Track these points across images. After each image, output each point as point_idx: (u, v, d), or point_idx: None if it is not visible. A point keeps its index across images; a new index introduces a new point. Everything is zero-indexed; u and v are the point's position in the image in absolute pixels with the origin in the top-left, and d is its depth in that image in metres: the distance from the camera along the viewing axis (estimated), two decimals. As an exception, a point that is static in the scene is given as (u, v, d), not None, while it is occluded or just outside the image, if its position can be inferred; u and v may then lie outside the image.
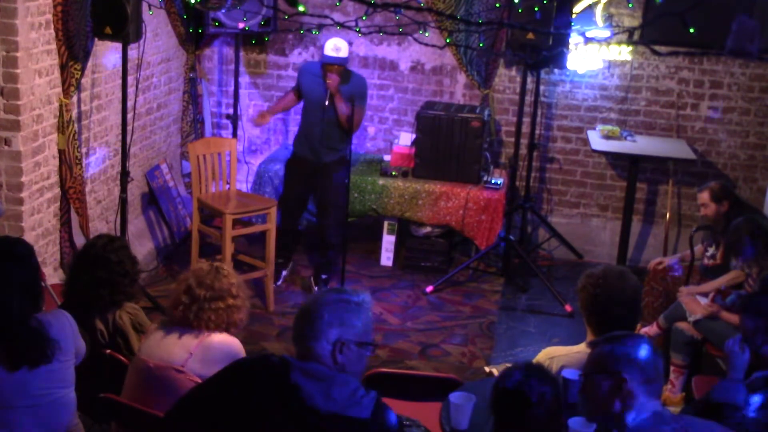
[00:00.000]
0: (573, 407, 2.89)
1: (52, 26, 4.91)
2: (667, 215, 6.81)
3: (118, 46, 5.23)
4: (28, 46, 4.70)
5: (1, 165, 4.77)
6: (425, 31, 5.94)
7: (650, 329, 4.96)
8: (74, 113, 5.24)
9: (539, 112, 6.82)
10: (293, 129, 7.33)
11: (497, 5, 6.48)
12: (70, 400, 3.08)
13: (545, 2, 5.66)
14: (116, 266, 3.63)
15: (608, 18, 6.59)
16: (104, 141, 5.81)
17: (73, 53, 4.99)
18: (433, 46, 5.48)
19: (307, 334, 2.43)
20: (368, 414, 2.34)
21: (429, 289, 6.23)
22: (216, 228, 5.91)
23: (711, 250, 5.29)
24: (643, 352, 2.52)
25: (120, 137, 5.43)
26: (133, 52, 5.57)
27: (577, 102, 6.97)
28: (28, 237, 4.82)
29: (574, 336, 5.12)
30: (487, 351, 5.45)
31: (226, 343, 3.25)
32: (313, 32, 6.53)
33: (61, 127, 5.05)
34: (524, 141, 6.69)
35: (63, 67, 5.01)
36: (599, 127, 6.68)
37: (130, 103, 5.50)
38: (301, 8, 4.65)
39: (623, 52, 6.77)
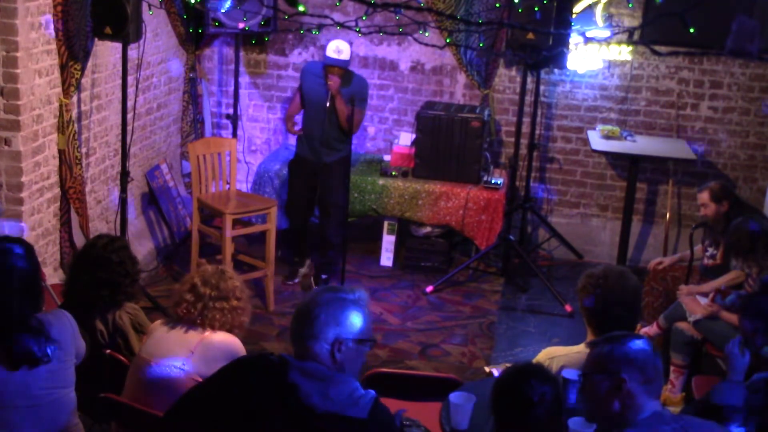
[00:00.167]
0: (573, 407, 2.89)
1: (52, 26, 4.91)
2: (667, 215, 6.81)
3: (118, 46, 5.23)
4: (28, 46, 4.70)
5: (1, 165, 4.77)
6: (425, 31, 5.94)
7: (650, 329, 4.95)
8: (74, 113, 5.24)
9: (539, 112, 6.82)
10: (293, 129, 7.33)
11: (497, 5, 6.48)
12: (70, 400, 3.08)
13: (545, 2, 5.66)
14: (117, 266, 3.63)
15: (608, 18, 6.59)
16: (104, 141, 5.81)
17: (73, 53, 4.99)
18: (433, 46, 5.48)
19: (305, 334, 2.43)
20: (366, 414, 2.34)
21: (429, 289, 6.23)
22: (216, 228, 5.91)
23: (711, 250, 5.29)
24: (643, 352, 2.52)
25: (120, 137, 5.43)
26: (133, 52, 5.57)
27: (577, 102, 6.97)
28: (28, 237, 4.82)
29: (574, 336, 5.12)
30: (487, 351, 5.45)
31: (226, 342, 3.26)
32: (313, 32, 6.52)
33: (61, 127, 5.05)
34: (524, 141, 6.69)
35: (63, 67, 5.01)
36: (599, 127, 6.68)
37: (130, 103, 5.50)
38: (301, 8, 4.65)
39: (623, 52, 6.77)
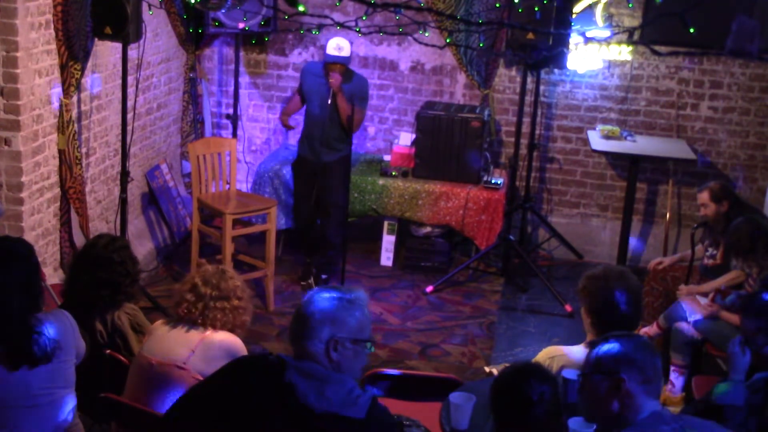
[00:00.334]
0: (573, 407, 2.89)
1: (52, 26, 4.91)
2: (667, 215, 6.81)
3: (118, 46, 5.23)
4: (28, 46, 4.70)
5: (1, 165, 4.77)
6: (425, 31, 5.94)
7: (650, 329, 4.95)
8: (74, 113, 5.24)
9: (539, 112, 6.82)
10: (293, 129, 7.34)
11: (497, 5, 6.48)
12: (70, 400, 3.08)
13: (545, 2, 5.66)
14: (118, 266, 3.63)
15: (608, 18, 6.59)
16: (104, 141, 5.81)
17: (73, 53, 4.99)
18: (433, 46, 5.48)
19: (301, 334, 2.44)
20: (363, 414, 2.33)
21: (429, 289, 6.23)
22: (216, 228, 5.91)
23: (711, 250, 5.29)
24: (642, 352, 2.52)
25: (120, 137, 5.43)
26: (133, 52, 5.57)
27: (577, 102, 6.97)
28: (28, 237, 4.81)
29: (574, 336, 5.12)
30: (487, 351, 5.45)
31: (227, 341, 3.26)
32: (313, 32, 6.52)
33: (61, 127, 5.05)
34: (524, 141, 6.69)
35: (63, 67, 5.01)
36: (599, 127, 6.68)
37: (130, 103, 5.50)
38: (301, 8, 4.65)
39: (623, 52, 6.77)
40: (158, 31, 6.47)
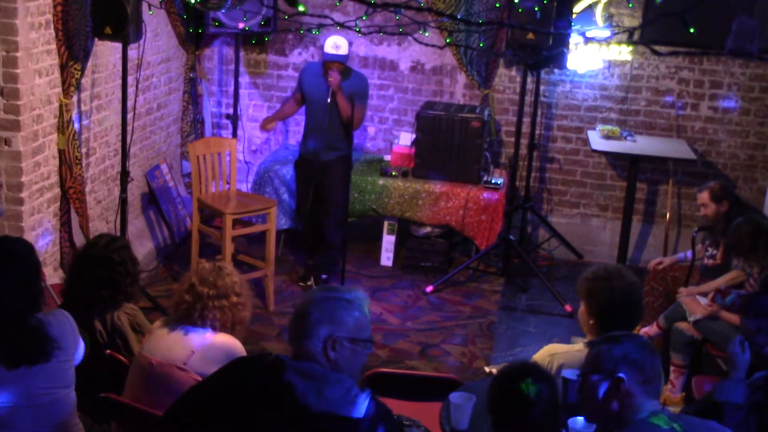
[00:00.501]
0: (573, 407, 2.89)
1: (52, 26, 4.91)
2: (667, 215, 6.81)
3: (118, 46, 5.23)
4: (28, 46, 4.70)
5: (1, 165, 4.77)
6: (425, 31, 5.94)
7: (650, 329, 4.95)
8: (74, 113, 5.24)
9: (539, 112, 6.82)
10: (293, 129, 7.34)
11: (497, 5, 6.48)
12: (70, 400, 3.08)
13: (545, 2, 5.66)
14: (118, 266, 3.63)
15: (608, 18, 6.59)
16: (104, 141, 5.81)
17: (73, 53, 4.99)
18: (433, 46, 5.49)
19: (299, 333, 2.44)
20: (362, 413, 2.33)
21: (429, 289, 6.23)
22: (216, 228, 5.91)
23: (711, 250, 5.29)
24: (641, 352, 2.52)
25: (120, 137, 5.43)
26: (133, 52, 5.57)
27: (577, 102, 6.97)
28: (28, 237, 4.82)
29: (573, 336, 5.11)
30: (487, 351, 5.45)
31: (227, 343, 3.25)
32: (313, 32, 6.52)
33: (61, 127, 5.05)
34: (524, 141, 6.69)
35: (63, 67, 5.01)
36: (599, 127, 6.68)
37: (130, 103, 5.50)
38: (301, 8, 4.65)
39: (623, 52, 6.77)
40: (158, 31, 6.47)
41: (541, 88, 6.78)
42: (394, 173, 6.57)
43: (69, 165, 5.12)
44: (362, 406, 2.34)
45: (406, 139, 6.88)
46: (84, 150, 5.49)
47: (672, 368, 4.76)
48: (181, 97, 7.08)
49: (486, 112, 6.61)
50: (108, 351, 3.57)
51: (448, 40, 6.60)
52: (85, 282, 3.60)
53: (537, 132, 6.86)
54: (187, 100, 7.10)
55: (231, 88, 6.95)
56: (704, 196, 5.27)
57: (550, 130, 7.06)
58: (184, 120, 7.14)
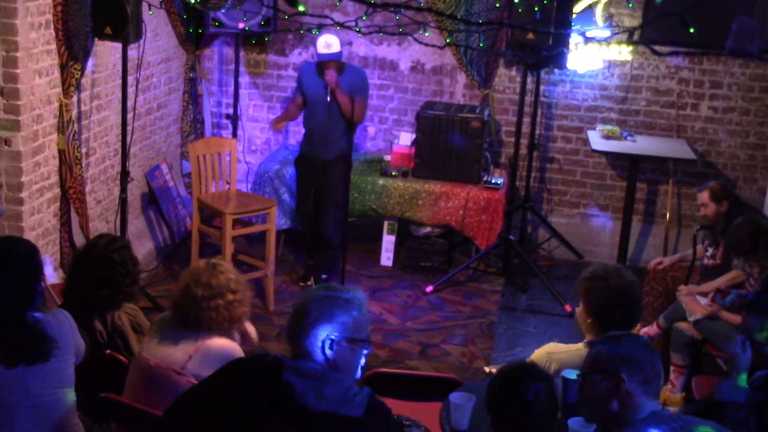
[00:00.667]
0: (573, 407, 2.89)
1: (52, 26, 4.91)
2: (667, 215, 6.81)
3: (118, 46, 5.23)
4: (28, 46, 4.70)
5: (1, 165, 4.77)
6: (425, 31, 5.94)
7: (650, 329, 4.95)
8: (74, 113, 5.24)
9: (539, 112, 6.82)
10: (293, 129, 7.33)
11: (497, 5, 6.48)
12: (70, 400, 3.08)
13: (545, 2, 5.66)
14: (118, 266, 3.63)
15: (608, 18, 6.59)
16: (104, 141, 5.81)
17: (73, 53, 4.99)
18: (433, 46, 5.48)
19: (297, 332, 2.44)
20: (361, 412, 2.33)
21: (429, 289, 6.23)
22: (216, 228, 5.92)
23: (711, 250, 5.29)
24: (641, 352, 2.52)
25: (120, 137, 5.43)
26: (133, 52, 5.57)
27: (577, 102, 6.97)
28: (28, 237, 4.81)
29: (573, 336, 5.09)
30: (487, 351, 5.45)
31: (225, 347, 3.23)
32: (313, 32, 6.52)
33: (61, 127, 5.05)
34: (524, 141, 6.69)
35: (63, 67, 5.01)
36: (599, 127, 6.68)
37: (130, 103, 5.50)
38: (301, 8, 4.65)
39: (623, 52, 6.76)
40: (158, 31, 6.47)
41: (541, 88, 6.78)
42: (394, 173, 6.57)
43: (69, 165, 5.12)
44: (361, 405, 2.34)
45: (406, 139, 6.88)
46: (84, 150, 5.49)
47: (672, 368, 4.75)
48: (181, 97, 7.08)
49: (486, 112, 6.61)
50: (108, 351, 3.57)
51: (448, 40, 6.60)
52: (86, 282, 3.61)
53: (537, 132, 6.86)
54: (187, 100, 7.10)
55: (231, 88, 6.95)
56: (704, 196, 5.27)
57: (550, 130, 7.06)
58: (184, 120, 7.14)
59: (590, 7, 6.52)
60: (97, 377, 3.41)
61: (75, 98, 5.28)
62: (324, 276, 6.16)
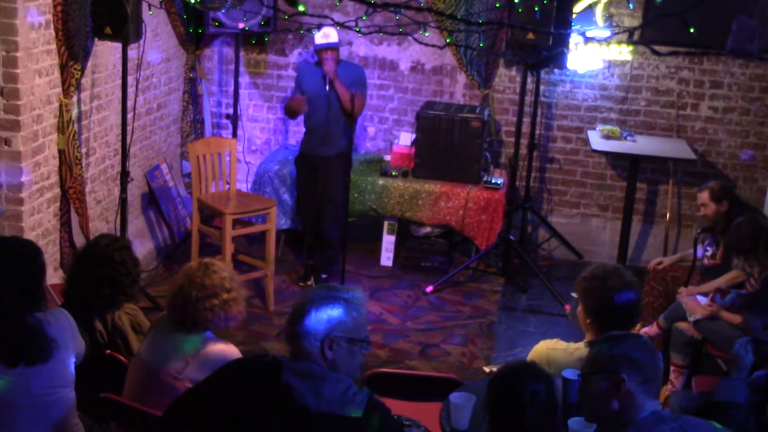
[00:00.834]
0: (573, 407, 2.89)
1: (52, 26, 4.91)
2: (667, 215, 6.81)
3: (118, 46, 5.23)
4: (28, 46, 4.70)
5: (1, 165, 4.77)
6: (425, 31, 5.94)
7: (650, 329, 4.95)
8: (74, 113, 5.24)
9: (539, 112, 6.82)
10: (293, 129, 7.34)
11: (497, 5, 6.48)
12: (70, 400, 3.08)
13: (545, 2, 5.66)
14: (119, 266, 3.63)
15: (608, 18, 6.59)
16: (104, 141, 5.81)
17: (73, 53, 4.99)
18: (433, 46, 5.48)
19: (296, 332, 2.44)
20: (360, 413, 2.33)
21: (429, 289, 6.23)
22: (216, 228, 5.92)
23: (711, 250, 5.29)
24: (642, 351, 2.52)
25: (120, 137, 5.43)
26: (133, 52, 5.57)
27: (577, 102, 6.97)
28: (28, 237, 4.81)
29: (573, 336, 5.07)
30: (487, 351, 5.45)
31: (222, 352, 3.20)
32: (313, 32, 6.52)
33: (61, 127, 5.05)
34: (524, 141, 6.69)
35: (63, 67, 5.01)
36: (599, 127, 6.67)
37: (130, 103, 5.50)
38: (301, 8, 4.64)
39: (623, 52, 6.76)
40: (158, 31, 6.47)
41: (541, 88, 6.78)
42: (394, 173, 6.57)
43: (69, 165, 5.12)
44: (361, 405, 2.34)
45: (406, 139, 6.88)
46: (84, 150, 5.49)
47: (672, 368, 4.75)
48: (181, 97, 7.08)
49: (486, 112, 6.61)
50: (108, 351, 3.57)
51: (448, 40, 6.60)
52: (86, 282, 3.60)
53: (537, 132, 6.86)
54: (187, 100, 7.10)
55: (231, 88, 6.95)
56: (704, 196, 5.27)
57: (550, 130, 7.06)
58: (184, 120, 7.14)
59: (590, 7, 6.52)
60: (97, 377, 3.41)
61: (75, 98, 5.28)
62: (324, 275, 6.16)
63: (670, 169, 6.87)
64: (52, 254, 5.20)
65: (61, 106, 5.03)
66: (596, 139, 6.46)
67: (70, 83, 5.03)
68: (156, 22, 6.34)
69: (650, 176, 6.97)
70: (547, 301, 6.12)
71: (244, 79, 7.29)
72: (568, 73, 6.88)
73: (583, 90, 6.93)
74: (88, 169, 5.56)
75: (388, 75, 7.19)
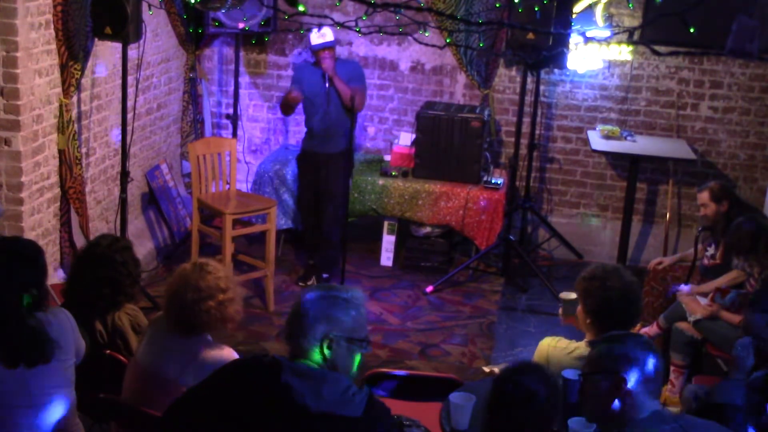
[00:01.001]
0: (573, 407, 2.89)
1: (52, 26, 4.91)
2: (667, 215, 6.81)
3: (118, 46, 5.23)
4: (28, 46, 4.70)
5: (1, 165, 4.77)
6: (425, 31, 5.94)
7: (650, 329, 4.95)
8: (74, 113, 5.24)
9: (539, 112, 6.82)
10: (293, 129, 7.34)
11: (497, 5, 6.48)
12: (70, 400, 3.08)
13: (545, 2, 5.66)
14: (120, 266, 3.63)
15: (608, 18, 6.59)
16: (104, 141, 5.81)
17: (73, 53, 4.99)
18: (433, 46, 5.48)
19: (296, 332, 2.44)
20: (360, 412, 2.33)
21: (429, 289, 6.23)
22: (216, 228, 5.92)
23: (711, 250, 5.29)
24: (642, 351, 2.52)
25: (120, 137, 5.43)
26: (133, 52, 5.57)
27: (577, 102, 6.97)
28: (28, 237, 4.81)
29: (573, 336, 5.10)
30: (487, 351, 5.45)
31: (220, 357, 3.17)
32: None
33: (61, 127, 5.05)
34: (524, 141, 6.69)
35: (63, 67, 5.01)
36: (599, 127, 6.67)
37: (130, 103, 5.50)
38: (301, 8, 4.64)
39: (623, 52, 6.76)
40: (158, 31, 6.47)
41: (541, 88, 6.78)
42: (394, 173, 6.57)
43: (69, 165, 5.12)
44: (361, 405, 2.34)
45: (406, 139, 6.89)
46: (84, 150, 5.49)
47: (672, 368, 4.76)
48: (181, 97, 7.08)
49: (486, 112, 6.61)
50: (108, 351, 3.57)
51: (448, 40, 6.60)
52: (87, 282, 3.60)
53: (537, 132, 6.86)
54: (187, 100, 7.10)
55: (231, 88, 6.95)
56: (704, 196, 5.27)
57: (550, 130, 7.06)
58: (184, 120, 7.14)
59: (590, 7, 6.52)
60: (97, 377, 3.41)
61: (75, 98, 5.28)
62: (325, 275, 6.16)
63: (670, 169, 6.87)
64: (52, 254, 5.20)
65: (61, 106, 5.03)
66: (596, 139, 6.46)
67: (70, 83, 5.03)
68: (156, 22, 6.34)
69: (650, 176, 6.97)
70: (547, 301, 6.12)
71: (244, 79, 7.29)
72: (568, 73, 6.88)
73: (583, 90, 6.93)
74: (88, 169, 5.57)
75: (388, 75, 7.19)
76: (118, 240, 3.78)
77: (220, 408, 2.39)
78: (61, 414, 3.04)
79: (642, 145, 6.45)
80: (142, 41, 5.31)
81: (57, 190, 5.19)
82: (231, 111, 6.90)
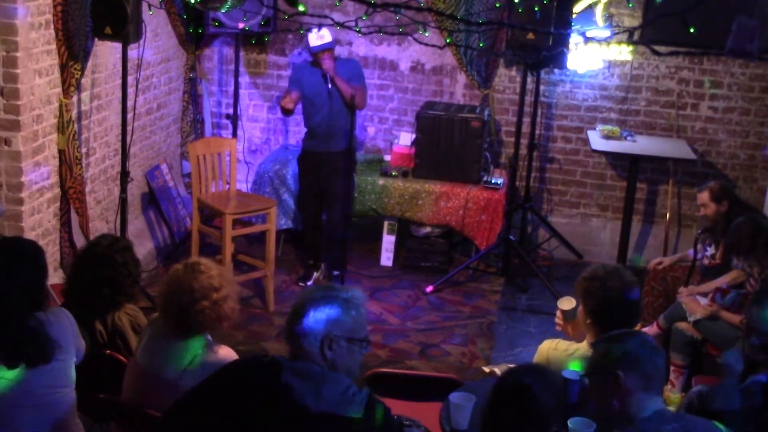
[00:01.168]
0: (573, 407, 2.89)
1: (52, 26, 4.91)
2: (667, 215, 6.81)
3: (118, 46, 5.23)
4: (28, 46, 4.70)
5: (1, 165, 4.77)
6: (425, 31, 5.94)
7: (650, 329, 4.95)
8: (74, 113, 5.24)
9: (539, 112, 6.82)
10: (293, 129, 7.34)
11: (497, 5, 6.48)
12: (70, 400, 3.08)
13: (545, 2, 5.66)
14: (120, 267, 3.63)
15: (608, 18, 6.59)
16: (104, 141, 5.82)
17: (73, 53, 4.99)
18: (433, 46, 5.48)
19: (296, 332, 2.44)
20: (361, 412, 2.33)
21: (429, 289, 6.23)
22: (216, 228, 5.92)
23: (710, 250, 5.29)
24: (642, 349, 2.52)
25: (120, 137, 5.43)
26: (133, 52, 5.57)
27: (577, 102, 6.97)
28: (28, 237, 4.81)
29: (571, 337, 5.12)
30: (487, 351, 5.45)
31: (219, 358, 3.15)
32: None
33: (61, 127, 5.05)
34: (524, 141, 6.69)
35: (63, 67, 5.01)
36: (599, 127, 6.67)
37: (130, 103, 5.50)
38: (301, 8, 4.64)
39: (623, 52, 6.76)
40: (158, 31, 6.47)
41: (541, 88, 6.78)
42: (394, 173, 6.57)
43: (69, 165, 5.12)
44: (361, 405, 2.34)
45: (406, 139, 6.89)
46: (84, 150, 5.49)
47: (672, 368, 4.76)
48: (181, 97, 7.08)
49: (486, 112, 6.61)
50: (108, 351, 3.57)
51: (448, 40, 6.60)
52: (87, 282, 3.60)
53: (537, 132, 6.86)
54: (187, 100, 7.10)
55: (231, 88, 6.95)
56: (704, 196, 5.27)
57: (550, 130, 7.06)
58: (184, 120, 7.14)
59: (590, 7, 6.52)
60: (97, 377, 3.41)
61: (75, 98, 5.28)
62: (336, 273, 6.12)
63: (670, 169, 6.87)
64: (52, 254, 5.20)
65: (61, 106, 5.03)
66: (596, 139, 6.46)
67: (70, 83, 5.03)
68: (156, 22, 6.34)
69: (650, 176, 6.97)
70: (547, 301, 6.11)
71: (244, 79, 7.29)
72: (568, 73, 6.88)
73: (583, 90, 6.93)
74: (88, 169, 5.57)
75: (388, 75, 7.19)
76: (118, 240, 3.78)
77: (220, 408, 2.39)
78: (62, 414, 3.04)
79: (642, 145, 6.45)
80: (142, 41, 5.31)
81: (57, 190, 5.19)
82: (231, 111, 6.90)
